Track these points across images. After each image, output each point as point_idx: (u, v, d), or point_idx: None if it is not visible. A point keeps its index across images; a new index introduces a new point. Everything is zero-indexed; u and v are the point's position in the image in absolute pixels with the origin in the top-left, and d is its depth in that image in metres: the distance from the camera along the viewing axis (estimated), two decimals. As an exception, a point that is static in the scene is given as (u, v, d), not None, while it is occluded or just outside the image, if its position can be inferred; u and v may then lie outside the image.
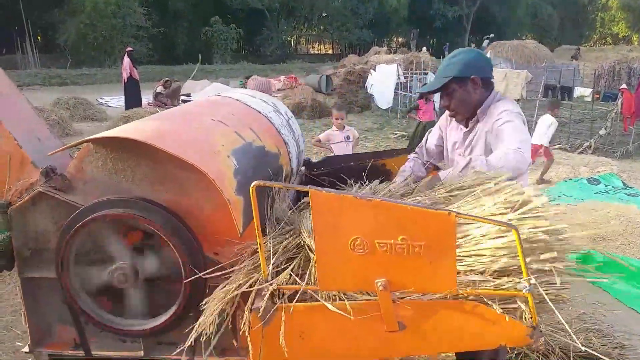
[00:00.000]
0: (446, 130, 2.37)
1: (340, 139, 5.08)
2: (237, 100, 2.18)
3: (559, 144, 9.96)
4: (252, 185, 1.32)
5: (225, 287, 1.50)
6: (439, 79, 2.14)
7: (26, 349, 1.79)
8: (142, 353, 1.69)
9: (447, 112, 2.30)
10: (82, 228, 1.54)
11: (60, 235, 1.58)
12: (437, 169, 2.49)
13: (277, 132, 2.13)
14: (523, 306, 1.35)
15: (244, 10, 33.21)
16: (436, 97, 11.43)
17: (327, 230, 1.35)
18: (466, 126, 2.22)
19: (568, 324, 3.22)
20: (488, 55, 19.60)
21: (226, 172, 1.54)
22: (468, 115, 2.18)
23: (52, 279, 1.63)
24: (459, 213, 1.30)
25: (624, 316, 3.60)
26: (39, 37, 28.47)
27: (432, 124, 8.78)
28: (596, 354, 3.07)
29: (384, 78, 13.88)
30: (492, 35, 28.74)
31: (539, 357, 3.02)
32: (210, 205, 1.56)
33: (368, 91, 14.46)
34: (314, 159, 2.78)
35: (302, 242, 1.58)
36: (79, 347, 1.73)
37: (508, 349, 2.95)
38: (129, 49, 13.90)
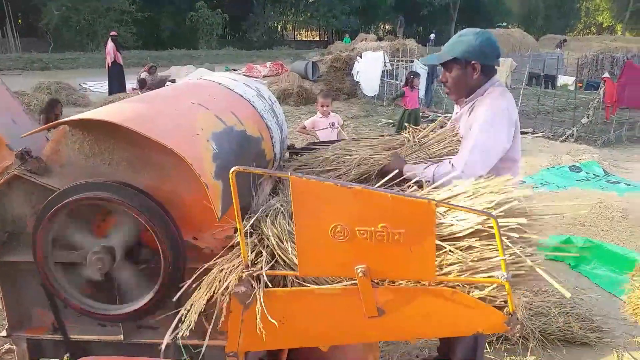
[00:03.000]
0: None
1: (325, 126, 5.07)
2: (219, 84, 2.15)
3: (542, 132, 10.07)
4: (231, 171, 1.30)
5: (211, 274, 1.49)
6: (442, 54, 2.16)
7: (4, 333, 1.77)
8: (122, 337, 1.68)
9: None
10: (58, 212, 1.51)
11: (37, 218, 1.55)
12: None
13: (260, 116, 2.11)
14: (500, 293, 1.37)
15: (230, -6, 32.80)
16: (421, 85, 11.46)
17: (307, 216, 1.35)
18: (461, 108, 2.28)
19: (547, 308, 3.31)
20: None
21: (205, 156, 1.52)
22: (461, 96, 2.22)
23: (30, 262, 1.60)
24: (438, 201, 1.31)
25: (602, 300, 3.69)
26: (19, 21, 27.72)
27: (417, 111, 8.80)
28: (575, 337, 3.16)
29: (370, 65, 13.83)
30: (504, 24, 28.91)
31: (519, 340, 3.08)
32: (189, 189, 1.54)
33: (354, 78, 14.41)
34: (299, 146, 2.77)
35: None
36: (57, 331, 1.71)
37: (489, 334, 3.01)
38: (113, 33, 13.67)
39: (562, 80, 15.76)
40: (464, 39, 2.12)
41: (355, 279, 1.39)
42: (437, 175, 1.94)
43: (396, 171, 1.95)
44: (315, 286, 1.48)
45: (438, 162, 2.07)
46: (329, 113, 5.13)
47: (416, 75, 9.02)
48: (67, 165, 1.62)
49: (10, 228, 1.67)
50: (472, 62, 2.10)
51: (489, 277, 1.35)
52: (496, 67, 2.20)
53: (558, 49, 21.60)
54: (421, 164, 2.07)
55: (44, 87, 12.03)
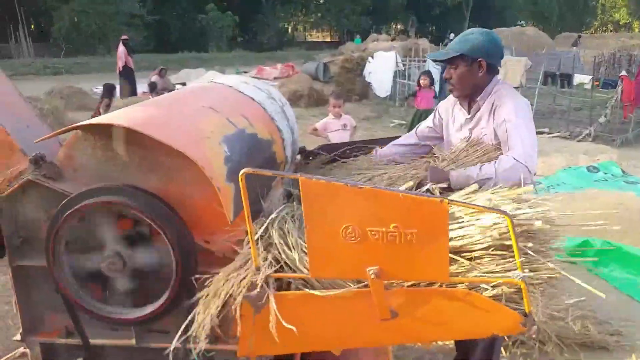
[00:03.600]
0: (452, 110, 2.38)
1: (337, 127, 5.06)
2: (229, 86, 2.15)
3: (558, 132, 9.94)
4: (241, 173, 1.30)
5: (223, 278, 1.48)
6: (449, 51, 2.21)
7: (18, 337, 1.78)
8: (133, 341, 1.68)
9: (451, 95, 2.34)
10: (71, 216, 1.52)
11: (50, 223, 1.56)
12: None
13: (271, 119, 2.11)
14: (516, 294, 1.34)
15: (240, -4, 32.95)
16: (435, 83, 11.34)
17: (318, 218, 1.33)
18: (468, 112, 2.26)
19: (565, 311, 3.26)
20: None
21: (216, 159, 1.52)
22: (465, 93, 2.24)
23: (43, 267, 1.61)
24: (451, 200, 1.28)
25: (621, 303, 3.60)
26: (32, 26, 28.12)
27: (429, 112, 8.62)
28: (589, 340, 3.10)
29: (382, 66, 13.78)
30: (522, 22, 28.98)
31: (535, 344, 3.04)
32: (201, 192, 1.53)
33: (366, 79, 14.34)
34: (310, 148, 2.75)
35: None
36: (70, 335, 1.72)
37: (505, 337, 2.96)
38: (124, 37, 13.78)
39: (578, 79, 15.53)
40: (470, 37, 2.16)
41: (368, 281, 1.37)
42: (501, 170, 1.87)
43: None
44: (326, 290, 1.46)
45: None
46: (341, 115, 5.12)
47: (426, 74, 8.86)
48: (80, 169, 1.62)
49: (24, 233, 1.68)
50: (479, 59, 2.13)
51: (504, 277, 1.33)
52: (499, 67, 2.24)
53: (574, 47, 21.32)
54: (471, 167, 1.99)
55: (56, 92, 12.15)
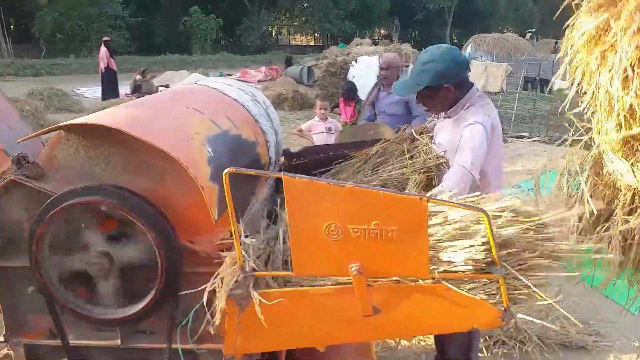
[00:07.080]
0: None
1: (321, 130, 5.08)
2: (214, 88, 2.16)
3: (538, 136, 10.12)
4: (224, 172, 1.31)
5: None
6: (412, 85, 2.19)
7: (1, 338, 1.77)
8: (119, 341, 1.68)
9: None
10: (54, 216, 1.52)
11: (33, 223, 1.55)
12: None
13: (255, 121, 2.13)
14: (494, 289, 1.38)
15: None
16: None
17: (301, 216, 1.36)
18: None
19: (545, 311, 3.32)
20: (469, 49, 19.66)
21: (200, 160, 1.54)
22: (442, 111, 2.28)
23: (26, 268, 1.60)
24: (430, 198, 1.32)
25: (599, 304, 3.67)
26: (12, 27, 27.63)
27: (354, 125, 8.18)
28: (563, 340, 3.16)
29: (365, 70, 13.85)
30: (534, 30, 29.87)
31: (516, 344, 3.09)
32: (185, 193, 1.55)
33: (350, 83, 14.40)
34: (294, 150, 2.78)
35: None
36: (54, 336, 1.71)
37: (486, 336, 3.02)
38: (105, 38, 13.66)
39: (557, 84, 15.84)
40: (429, 66, 2.12)
41: (350, 278, 1.40)
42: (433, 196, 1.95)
43: None
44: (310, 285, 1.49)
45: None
46: (326, 117, 5.15)
47: (351, 85, 7.86)
48: (63, 170, 1.62)
49: (7, 233, 1.66)
50: (444, 85, 2.12)
51: (483, 273, 1.37)
52: (468, 75, 2.23)
53: (555, 54, 21.75)
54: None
55: (36, 93, 11.99)
